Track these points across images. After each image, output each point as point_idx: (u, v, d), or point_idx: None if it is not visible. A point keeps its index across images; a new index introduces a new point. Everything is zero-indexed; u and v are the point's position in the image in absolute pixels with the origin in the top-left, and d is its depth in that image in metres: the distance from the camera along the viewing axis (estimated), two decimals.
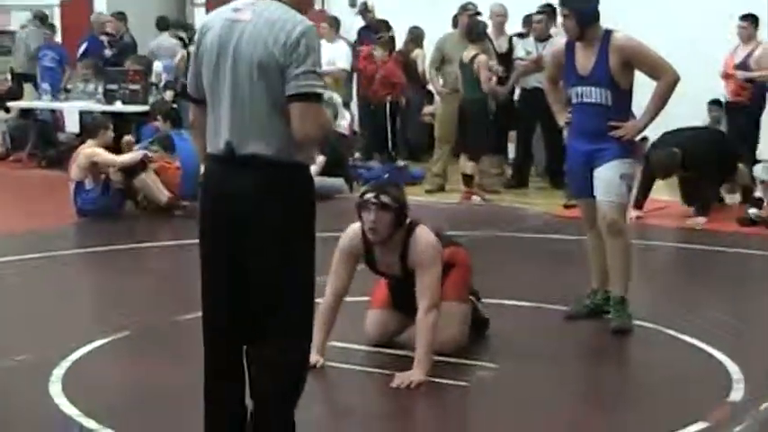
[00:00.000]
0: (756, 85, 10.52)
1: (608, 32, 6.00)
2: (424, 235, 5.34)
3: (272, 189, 3.67)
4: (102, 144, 9.87)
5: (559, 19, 10.85)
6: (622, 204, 6.15)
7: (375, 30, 13.40)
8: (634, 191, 8.89)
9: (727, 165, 9.78)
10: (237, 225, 3.70)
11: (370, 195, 5.28)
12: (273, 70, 3.63)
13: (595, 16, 6.04)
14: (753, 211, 9.38)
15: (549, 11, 11.29)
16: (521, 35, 11.99)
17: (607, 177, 5.98)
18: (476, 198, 10.88)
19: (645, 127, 6.15)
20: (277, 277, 3.72)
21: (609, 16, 6.19)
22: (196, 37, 3.84)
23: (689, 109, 9.90)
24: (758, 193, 9.50)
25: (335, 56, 13.27)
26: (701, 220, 9.46)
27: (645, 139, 9.35)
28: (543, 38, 11.30)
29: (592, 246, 6.29)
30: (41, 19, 15.54)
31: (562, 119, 6.33)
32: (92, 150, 9.79)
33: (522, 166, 11.79)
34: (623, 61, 5.92)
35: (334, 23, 13.65)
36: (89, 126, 10.23)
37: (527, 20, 12.07)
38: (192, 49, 3.68)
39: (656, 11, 12.57)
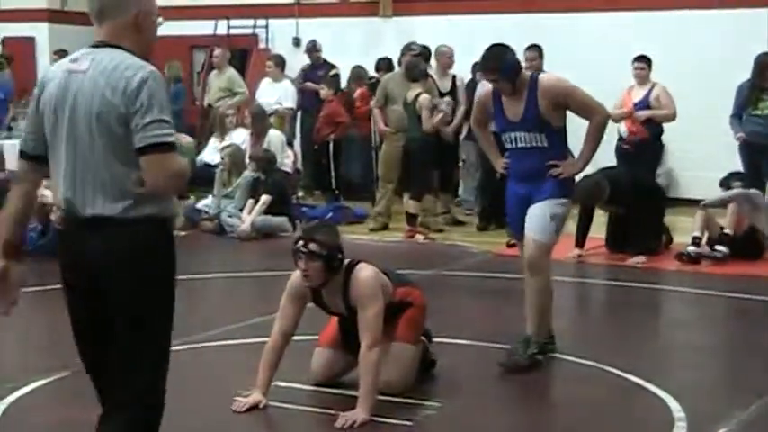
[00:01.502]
0: (652, 124, 10.71)
1: (534, 77, 6.02)
2: (362, 273, 5.35)
3: (120, 253, 3.44)
4: (50, 184, 9.75)
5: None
6: (547, 245, 6.08)
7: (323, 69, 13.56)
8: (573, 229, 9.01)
9: (658, 199, 9.99)
10: (89, 288, 3.56)
11: (299, 244, 5.28)
12: (115, 121, 3.38)
13: (518, 66, 6.05)
14: (691, 248, 9.50)
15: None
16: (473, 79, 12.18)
17: (537, 215, 5.99)
18: (419, 237, 10.91)
19: (584, 166, 6.19)
20: (127, 343, 3.59)
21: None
22: (35, 91, 3.59)
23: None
24: (697, 233, 9.63)
25: (282, 95, 13.32)
26: (641, 258, 9.56)
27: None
28: None
29: (527, 294, 6.28)
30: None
31: (499, 165, 6.34)
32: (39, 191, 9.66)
33: (485, 208, 11.62)
34: (553, 103, 5.94)
35: (280, 62, 13.69)
36: None
37: (475, 66, 12.19)
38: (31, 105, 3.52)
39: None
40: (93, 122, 3.41)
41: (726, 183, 10.07)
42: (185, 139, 11.74)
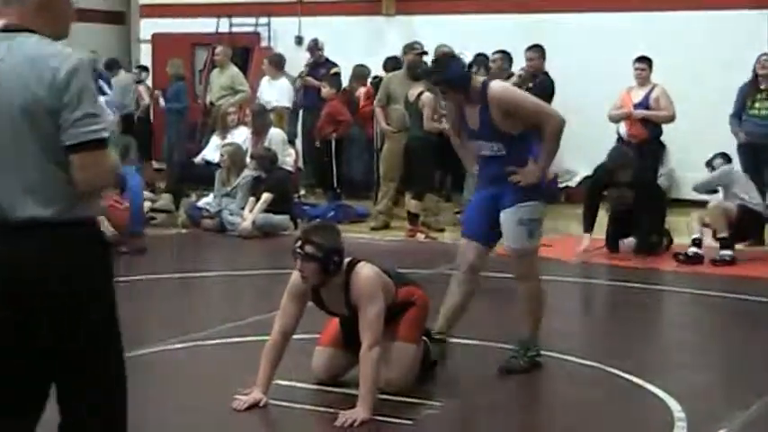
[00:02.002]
0: (651, 125, 10.72)
1: (485, 85, 5.85)
2: (363, 272, 5.35)
3: (55, 257, 3.10)
4: None
5: (522, 62, 11.18)
6: (523, 250, 5.93)
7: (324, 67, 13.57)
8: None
9: (658, 200, 10.04)
10: (20, 297, 3.12)
11: (296, 244, 5.29)
12: (42, 115, 3.06)
13: (466, 76, 5.88)
14: (692, 249, 9.52)
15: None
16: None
17: (506, 224, 5.88)
18: (420, 236, 10.92)
19: (542, 172, 5.95)
20: (72, 355, 3.23)
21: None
22: None
23: None
24: (696, 234, 9.65)
25: (278, 93, 13.30)
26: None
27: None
28: (503, 77, 11.37)
29: (450, 289, 6.11)
30: None
31: (471, 167, 6.27)
32: None
33: None
34: (503, 111, 5.78)
35: (276, 61, 13.66)
36: None
37: (477, 58, 12.20)
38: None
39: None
40: (16, 117, 3.08)
41: (710, 163, 10.26)
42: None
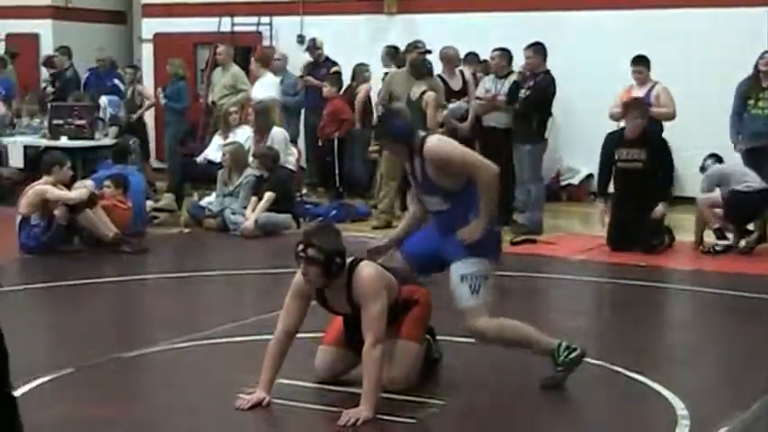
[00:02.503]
0: (652, 122, 10.69)
1: (423, 140, 5.69)
2: (364, 272, 5.35)
3: None
4: (57, 181, 9.80)
5: (517, 60, 11.19)
6: (468, 308, 5.62)
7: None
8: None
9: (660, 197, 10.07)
10: None
11: (299, 248, 5.29)
12: None
13: (408, 131, 5.72)
14: (723, 242, 9.77)
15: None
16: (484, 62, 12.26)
17: (451, 281, 5.69)
18: None
19: (483, 229, 5.61)
20: None
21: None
22: None
23: None
24: (716, 225, 9.83)
25: (265, 89, 13.09)
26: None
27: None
28: (502, 75, 11.40)
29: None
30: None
31: (424, 221, 6.05)
32: (43, 187, 9.73)
33: None
34: (437, 166, 5.62)
35: (264, 58, 13.54)
36: (45, 163, 10.10)
37: (467, 57, 12.21)
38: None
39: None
40: None
41: (702, 168, 10.53)
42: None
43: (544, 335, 5.81)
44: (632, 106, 10.09)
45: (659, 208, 9.85)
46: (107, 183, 10.32)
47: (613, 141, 10.08)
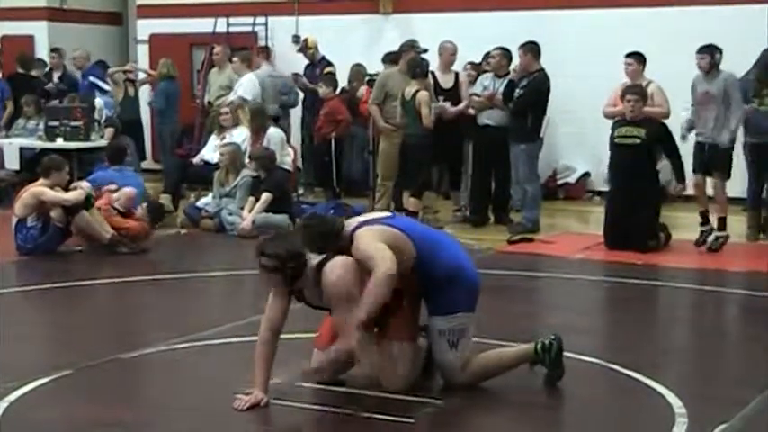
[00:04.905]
0: None
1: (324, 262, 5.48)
2: (329, 271, 5.38)
3: None
4: (54, 184, 9.80)
5: (516, 59, 11.21)
6: (449, 362, 5.61)
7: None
8: None
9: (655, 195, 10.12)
10: None
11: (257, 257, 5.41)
12: None
13: (334, 234, 5.55)
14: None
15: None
16: (477, 64, 12.25)
17: (430, 334, 5.65)
18: None
19: (360, 318, 5.36)
20: None
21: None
22: None
23: None
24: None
25: (242, 89, 13.03)
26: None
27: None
28: (501, 74, 11.40)
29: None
30: None
31: None
32: (39, 189, 9.73)
33: (481, 202, 11.72)
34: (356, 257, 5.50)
35: (248, 58, 13.52)
36: (44, 166, 10.09)
37: (486, 56, 12.21)
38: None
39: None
40: None
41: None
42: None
43: (515, 347, 5.83)
44: (625, 92, 10.10)
45: (675, 184, 9.85)
46: (116, 196, 10.38)
47: (616, 123, 10.12)
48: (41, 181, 9.84)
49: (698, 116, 10.11)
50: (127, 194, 10.43)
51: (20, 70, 15.08)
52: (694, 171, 10.18)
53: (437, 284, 5.57)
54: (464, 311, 5.64)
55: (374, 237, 5.46)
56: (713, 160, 9.99)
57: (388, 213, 5.72)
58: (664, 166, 11.58)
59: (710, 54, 10.00)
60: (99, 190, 10.33)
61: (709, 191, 10.14)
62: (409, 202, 11.03)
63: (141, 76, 15.18)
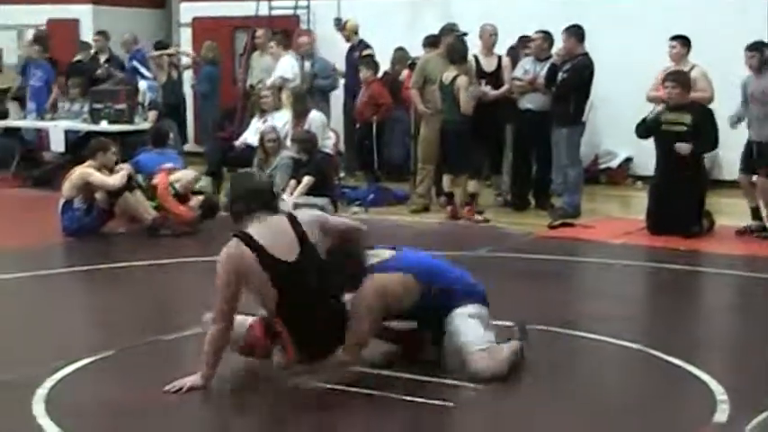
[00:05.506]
0: None
1: None
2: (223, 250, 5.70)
3: None
4: (101, 166, 9.91)
5: (558, 42, 11.14)
6: (470, 344, 5.59)
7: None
8: None
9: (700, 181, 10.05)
10: None
11: None
12: None
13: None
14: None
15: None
16: (513, 48, 12.17)
17: (455, 320, 5.66)
18: (477, 217, 10.82)
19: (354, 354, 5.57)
20: None
21: None
22: None
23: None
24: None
25: (282, 71, 13.08)
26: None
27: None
28: (542, 58, 11.33)
29: None
30: (39, 40, 15.54)
31: None
32: (86, 170, 9.84)
33: (522, 187, 11.70)
34: None
35: (282, 41, 13.55)
36: (91, 147, 10.20)
37: (522, 39, 12.14)
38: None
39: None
40: None
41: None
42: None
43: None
44: (666, 77, 10.00)
45: (682, 145, 9.74)
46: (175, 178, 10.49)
47: (663, 109, 10.02)
48: (89, 162, 9.95)
49: (749, 114, 9.99)
50: (188, 177, 10.52)
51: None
52: (742, 171, 10.08)
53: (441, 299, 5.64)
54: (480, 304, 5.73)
55: (377, 292, 5.49)
56: (761, 157, 9.87)
57: (393, 253, 5.73)
58: (709, 153, 11.48)
59: (759, 51, 9.88)
60: (139, 173, 10.42)
61: None
62: (469, 184, 10.94)
63: (185, 60, 15.23)
